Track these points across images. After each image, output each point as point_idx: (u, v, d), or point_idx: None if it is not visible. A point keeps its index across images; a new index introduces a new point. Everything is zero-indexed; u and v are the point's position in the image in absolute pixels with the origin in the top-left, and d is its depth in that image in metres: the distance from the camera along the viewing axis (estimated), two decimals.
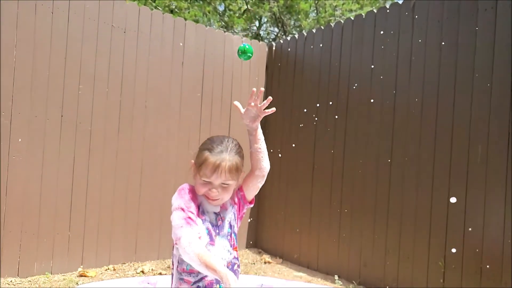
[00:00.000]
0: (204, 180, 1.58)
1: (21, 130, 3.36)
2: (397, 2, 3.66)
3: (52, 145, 3.50)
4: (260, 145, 1.66)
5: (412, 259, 3.36)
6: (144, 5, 7.17)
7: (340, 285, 3.69)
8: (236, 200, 1.73)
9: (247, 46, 1.62)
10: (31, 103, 3.40)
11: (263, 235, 4.75)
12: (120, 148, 3.86)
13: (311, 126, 4.23)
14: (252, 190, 1.73)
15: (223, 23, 9.30)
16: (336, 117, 4.00)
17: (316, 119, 4.20)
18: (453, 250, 3.04)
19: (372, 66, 3.75)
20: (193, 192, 1.63)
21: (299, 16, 8.80)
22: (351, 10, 8.70)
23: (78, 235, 3.64)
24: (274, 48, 4.85)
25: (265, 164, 1.69)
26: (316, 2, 8.93)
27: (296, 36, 4.63)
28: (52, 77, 3.49)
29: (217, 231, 1.64)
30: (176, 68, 4.22)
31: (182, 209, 1.55)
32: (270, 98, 1.60)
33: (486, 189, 2.98)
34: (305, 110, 4.31)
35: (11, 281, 3.24)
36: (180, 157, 4.19)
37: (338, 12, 8.86)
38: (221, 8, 9.68)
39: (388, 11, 3.69)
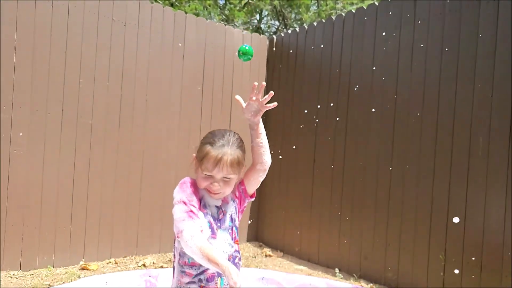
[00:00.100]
0: (205, 174, 1.58)
1: (22, 124, 3.36)
2: None
3: (53, 139, 3.50)
4: (261, 139, 1.67)
5: (413, 252, 3.37)
6: None
7: (341, 278, 3.71)
8: (237, 194, 1.74)
9: (247, 47, 1.61)
10: (32, 97, 3.40)
11: (264, 229, 4.76)
12: (121, 142, 3.86)
13: (312, 119, 4.22)
14: (253, 184, 1.74)
15: (223, 17, 9.26)
16: (333, 104, 4.00)
17: (317, 113, 4.20)
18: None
19: (373, 59, 3.74)
20: (194, 185, 1.64)
21: (300, 9, 8.76)
22: (352, 3, 8.66)
23: (80, 228, 3.65)
24: (275, 41, 4.83)
25: (267, 159, 1.69)
26: None
27: (297, 29, 4.62)
28: (52, 71, 3.49)
29: (219, 224, 1.65)
30: (177, 62, 4.20)
31: (184, 203, 1.55)
32: (271, 92, 1.60)
33: (487, 182, 2.98)
34: (305, 111, 4.31)
35: (13, 274, 3.26)
36: (181, 151, 4.19)
37: (339, 6, 8.82)
38: (221, 2, 9.63)
39: (389, 1, 3.66)
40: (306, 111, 4.30)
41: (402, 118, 3.52)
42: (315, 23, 4.39)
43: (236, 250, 1.68)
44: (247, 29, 9.09)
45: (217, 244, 1.61)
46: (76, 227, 3.63)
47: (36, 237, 3.43)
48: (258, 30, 9.69)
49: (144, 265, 3.74)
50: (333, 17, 4.18)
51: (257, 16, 9.97)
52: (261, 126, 1.67)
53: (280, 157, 4.43)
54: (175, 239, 1.63)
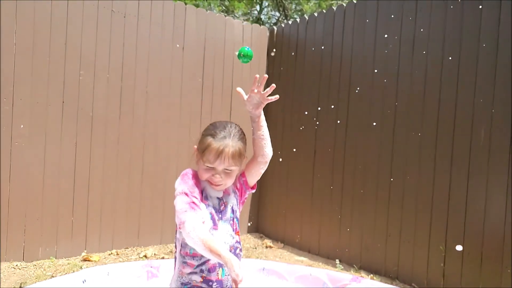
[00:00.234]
0: (207, 166, 1.58)
1: (23, 116, 3.36)
2: None
3: (54, 130, 3.50)
4: (263, 131, 1.67)
5: (413, 243, 3.39)
6: None
7: (341, 269, 3.73)
8: (238, 185, 1.74)
9: (246, 48, 1.61)
10: (32, 89, 3.39)
11: (265, 220, 4.78)
12: (122, 133, 3.86)
13: (312, 110, 4.22)
14: (254, 176, 1.74)
15: (223, 8, 9.20)
16: (333, 96, 3.99)
17: (318, 103, 4.19)
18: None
19: (375, 49, 3.72)
20: (196, 177, 1.64)
21: (301, 0, 8.69)
22: None
23: (81, 220, 3.67)
24: (275, 32, 4.81)
25: (268, 151, 1.69)
26: None
27: (298, 20, 4.59)
28: (52, 62, 3.48)
29: (220, 216, 1.65)
30: (177, 53, 4.19)
31: (186, 194, 1.56)
32: (273, 85, 1.59)
33: (488, 174, 2.99)
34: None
35: (16, 265, 3.28)
36: (181, 142, 4.19)
37: None
38: None
39: None
40: (306, 101, 4.29)
41: (403, 109, 3.51)
42: (315, 14, 4.37)
43: (237, 241, 1.69)
44: (247, 20, 9.03)
45: (218, 235, 1.62)
46: (78, 218, 3.65)
47: (38, 228, 3.45)
48: (258, 21, 9.63)
49: (145, 256, 3.77)
50: (334, 8, 4.15)
51: (257, 7, 9.90)
52: (263, 118, 1.67)
53: (280, 152, 4.44)
54: (176, 230, 1.64)
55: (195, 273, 1.62)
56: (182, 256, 1.64)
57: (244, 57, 1.61)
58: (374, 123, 3.68)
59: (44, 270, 3.25)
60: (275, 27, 4.87)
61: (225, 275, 1.65)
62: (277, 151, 4.19)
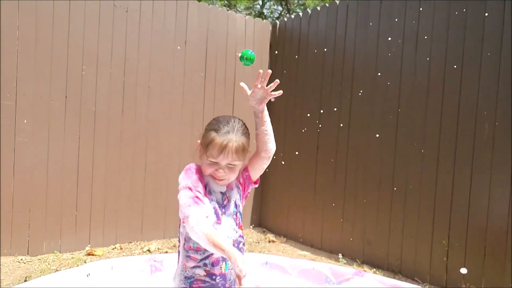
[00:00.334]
0: (210, 161, 1.59)
1: (26, 111, 3.37)
2: None
3: (57, 125, 3.51)
4: (266, 127, 1.67)
5: (416, 238, 3.39)
6: None
7: (344, 263, 3.74)
8: (241, 180, 1.75)
9: (249, 52, 1.61)
10: (35, 84, 3.40)
11: (268, 215, 4.79)
12: (124, 128, 3.87)
13: (315, 105, 4.21)
14: (257, 171, 1.75)
15: (226, 2, 9.16)
16: (336, 89, 3.98)
17: (320, 98, 4.18)
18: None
19: (378, 45, 3.70)
20: (199, 172, 1.64)
21: None
22: None
23: (85, 215, 3.69)
24: (278, 26, 4.79)
25: (271, 146, 1.70)
26: None
27: (300, 14, 4.57)
28: (55, 58, 3.48)
29: (223, 210, 1.66)
30: (179, 48, 4.18)
31: (190, 188, 1.56)
32: (277, 81, 1.59)
33: (492, 169, 2.98)
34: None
35: (21, 259, 3.31)
36: (184, 137, 4.20)
37: None
38: None
39: None
40: (309, 95, 4.28)
41: (406, 103, 3.50)
42: (318, 8, 4.35)
43: (240, 236, 1.70)
44: (249, 14, 9.00)
45: (221, 230, 1.63)
46: (82, 213, 3.67)
47: (42, 223, 3.47)
48: (260, 15, 9.59)
49: (149, 250, 3.79)
50: (337, 1, 4.13)
51: (260, 1, 9.86)
52: (266, 113, 1.67)
53: (283, 149, 4.43)
54: (180, 224, 1.65)
55: (199, 267, 1.63)
56: (186, 250, 1.65)
57: (246, 60, 1.61)
58: (378, 119, 3.68)
59: (48, 264, 3.28)
60: (277, 21, 4.84)
61: (229, 269, 1.66)
62: (280, 147, 4.19)
